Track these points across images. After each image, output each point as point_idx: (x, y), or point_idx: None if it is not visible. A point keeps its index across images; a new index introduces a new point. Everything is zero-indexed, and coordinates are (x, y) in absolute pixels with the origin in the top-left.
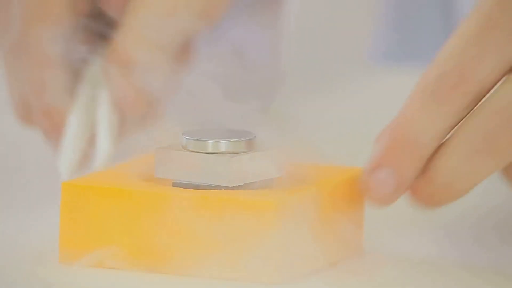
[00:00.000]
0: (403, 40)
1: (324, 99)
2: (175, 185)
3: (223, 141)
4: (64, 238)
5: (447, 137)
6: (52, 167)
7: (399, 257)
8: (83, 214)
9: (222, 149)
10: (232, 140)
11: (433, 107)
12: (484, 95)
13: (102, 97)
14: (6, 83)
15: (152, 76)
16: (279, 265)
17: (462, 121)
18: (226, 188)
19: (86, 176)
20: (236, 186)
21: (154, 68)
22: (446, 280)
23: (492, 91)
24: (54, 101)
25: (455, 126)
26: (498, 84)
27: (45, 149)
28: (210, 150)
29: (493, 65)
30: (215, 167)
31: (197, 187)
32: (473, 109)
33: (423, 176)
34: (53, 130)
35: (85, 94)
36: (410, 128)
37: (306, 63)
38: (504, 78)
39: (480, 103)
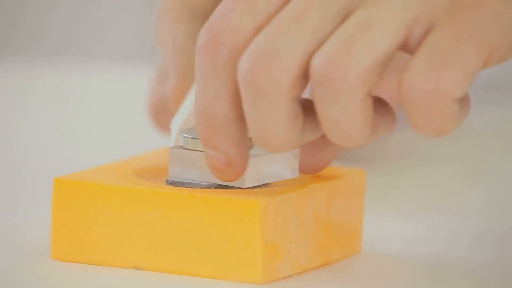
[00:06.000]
0: None
1: None
2: (168, 183)
3: None
4: (56, 234)
5: None
6: (44, 163)
7: (398, 257)
8: (75, 210)
9: None
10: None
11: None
12: None
13: None
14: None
15: None
16: (263, 265)
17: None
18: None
19: (79, 172)
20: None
21: None
22: (445, 279)
23: None
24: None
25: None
26: None
27: (36, 145)
28: None
29: None
30: None
31: (189, 185)
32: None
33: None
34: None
35: None
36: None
37: None
38: None
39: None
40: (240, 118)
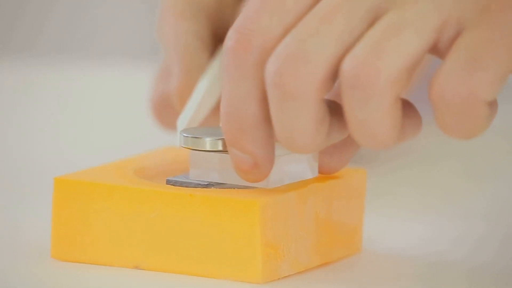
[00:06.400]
0: None
1: None
2: (168, 182)
3: None
4: (56, 233)
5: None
6: (44, 163)
7: (398, 257)
8: (75, 210)
9: None
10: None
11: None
12: None
13: None
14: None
15: None
16: (263, 264)
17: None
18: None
19: (79, 171)
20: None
21: None
22: (445, 279)
23: None
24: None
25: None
26: None
27: (37, 145)
28: None
29: None
30: None
31: (190, 185)
32: None
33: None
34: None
35: (216, 65)
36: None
37: None
38: None
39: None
40: (267, 119)
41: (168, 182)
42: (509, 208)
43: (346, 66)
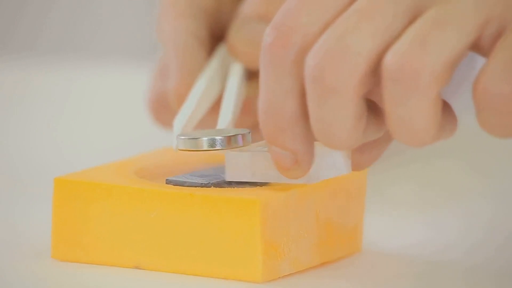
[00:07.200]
0: None
1: None
2: (168, 182)
3: None
4: (56, 233)
5: None
6: (44, 163)
7: (398, 256)
8: (75, 210)
9: None
10: None
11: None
12: None
13: (234, 69)
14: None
15: None
16: (263, 263)
17: None
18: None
19: (79, 171)
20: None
21: None
22: (445, 278)
23: None
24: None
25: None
26: None
27: (37, 145)
28: None
29: None
30: None
31: (190, 184)
32: None
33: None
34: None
35: (214, 65)
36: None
37: None
38: None
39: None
40: (307, 115)
41: (168, 182)
42: (510, 207)
43: (389, 59)
